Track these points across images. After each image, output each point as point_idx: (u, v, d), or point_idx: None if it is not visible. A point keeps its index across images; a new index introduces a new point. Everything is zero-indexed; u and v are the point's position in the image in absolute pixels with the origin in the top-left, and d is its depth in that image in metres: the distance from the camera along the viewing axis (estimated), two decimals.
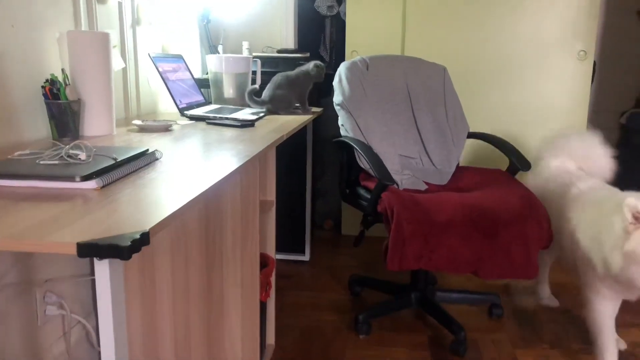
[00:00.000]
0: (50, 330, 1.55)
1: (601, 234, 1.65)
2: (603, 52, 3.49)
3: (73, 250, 0.68)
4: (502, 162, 2.18)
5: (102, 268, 0.73)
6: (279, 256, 2.73)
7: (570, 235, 1.83)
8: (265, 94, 2.18)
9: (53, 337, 1.56)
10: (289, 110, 2.16)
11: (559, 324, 2.13)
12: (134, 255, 1.63)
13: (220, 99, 2.33)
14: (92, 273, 1.72)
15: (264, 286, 1.70)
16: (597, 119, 3.56)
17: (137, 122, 1.69)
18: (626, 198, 1.52)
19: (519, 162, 2.05)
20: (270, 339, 1.90)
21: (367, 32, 2.91)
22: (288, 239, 2.70)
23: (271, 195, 1.83)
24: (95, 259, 0.72)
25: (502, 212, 1.79)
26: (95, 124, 1.51)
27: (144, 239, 0.70)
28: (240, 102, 2.33)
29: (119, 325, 0.77)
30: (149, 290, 1.66)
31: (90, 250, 0.67)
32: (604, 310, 1.73)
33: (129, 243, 0.67)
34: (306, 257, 2.73)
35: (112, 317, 0.75)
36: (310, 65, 2.20)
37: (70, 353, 1.61)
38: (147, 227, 0.73)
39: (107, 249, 0.67)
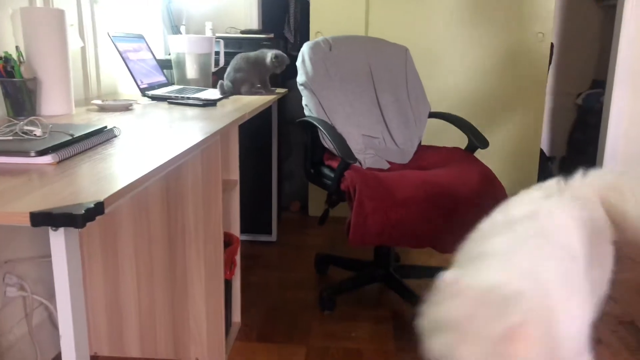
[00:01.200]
0: (10, 312, 1.54)
1: None
2: (560, 34, 3.59)
3: (26, 220, 0.68)
4: (462, 141, 2.23)
5: (58, 240, 0.74)
6: (246, 237, 2.75)
7: None
8: (226, 77, 2.17)
9: (14, 319, 1.55)
10: (251, 90, 2.16)
11: None
12: (96, 234, 1.63)
13: (183, 80, 2.32)
14: None
15: (229, 264, 1.72)
16: (556, 101, 3.67)
17: (97, 101, 1.68)
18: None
19: (477, 139, 2.11)
20: (236, 316, 1.93)
21: (331, 13, 2.91)
22: (255, 219, 2.72)
23: (235, 175, 1.84)
24: (50, 230, 0.73)
25: (461, 188, 1.84)
26: (52, 103, 1.49)
27: (98, 208, 0.71)
28: (203, 83, 2.32)
29: (76, 297, 0.78)
30: (112, 269, 1.66)
31: (44, 219, 0.68)
32: None
33: (83, 211, 0.68)
34: (273, 238, 2.75)
35: (69, 288, 0.76)
36: (268, 55, 2.16)
37: (32, 335, 1.60)
38: (102, 197, 0.74)
39: (61, 218, 0.68)
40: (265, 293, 2.20)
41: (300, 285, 2.27)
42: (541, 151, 3.15)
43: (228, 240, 1.78)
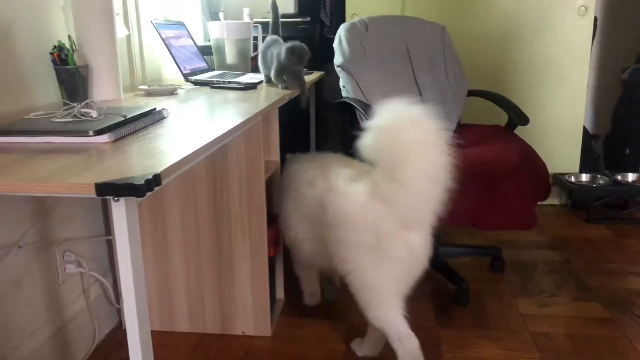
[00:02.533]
0: (70, 287, 1.63)
1: None
2: (604, 8, 3.47)
3: (92, 191, 0.74)
4: (501, 119, 2.21)
5: (119, 210, 0.79)
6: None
7: None
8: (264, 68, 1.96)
9: (73, 294, 1.65)
10: (283, 82, 1.91)
11: (560, 274, 2.19)
12: (146, 213, 1.70)
13: (223, 65, 2.37)
14: (108, 233, 1.79)
15: (272, 242, 1.77)
16: (599, 77, 3.56)
17: (143, 87, 1.74)
18: None
19: (517, 117, 2.09)
20: (280, 293, 1.98)
21: None
22: None
23: (275, 156, 1.89)
24: (112, 201, 0.78)
25: (501, 165, 1.83)
26: (103, 89, 1.56)
27: (157, 179, 0.76)
28: (242, 68, 2.37)
29: (137, 265, 0.83)
30: (161, 247, 1.74)
31: (108, 190, 0.73)
32: None
33: (143, 182, 0.73)
34: None
35: (131, 256, 0.82)
36: (282, 50, 1.83)
37: (90, 309, 1.70)
38: (159, 170, 0.79)
39: (123, 188, 0.73)
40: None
41: None
42: (584, 129, 3.07)
43: (271, 219, 1.83)
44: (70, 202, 1.61)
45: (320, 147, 3.21)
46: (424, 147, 1.31)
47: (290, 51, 1.81)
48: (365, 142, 1.36)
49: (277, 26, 2.11)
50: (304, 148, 2.69)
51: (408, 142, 1.31)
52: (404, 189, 1.32)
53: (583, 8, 2.78)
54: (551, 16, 2.81)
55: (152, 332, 1.80)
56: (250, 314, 1.74)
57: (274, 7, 2.08)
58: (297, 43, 1.83)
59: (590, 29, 2.80)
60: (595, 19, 2.87)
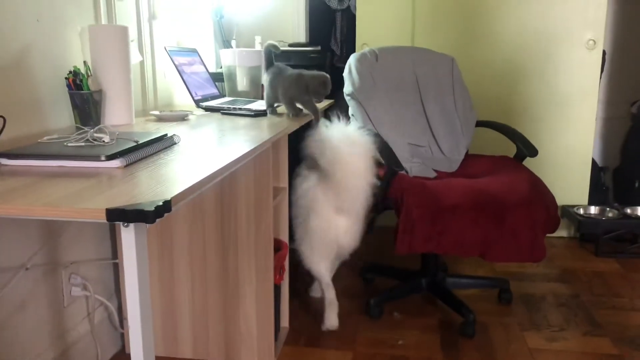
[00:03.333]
0: (75, 310, 1.63)
1: None
2: (613, 42, 3.50)
3: (102, 216, 0.74)
4: (510, 150, 2.21)
5: (128, 235, 0.80)
6: (293, 245, 2.79)
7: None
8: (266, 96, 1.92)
9: (78, 317, 1.64)
10: (293, 112, 1.88)
11: (569, 308, 2.16)
12: (154, 238, 1.71)
13: (234, 92, 2.40)
14: (115, 257, 1.80)
15: (278, 269, 1.76)
16: (608, 109, 3.57)
17: (155, 112, 1.77)
18: None
19: (526, 148, 2.09)
20: (285, 321, 1.97)
21: (377, 25, 2.96)
22: None
23: (284, 182, 1.90)
24: (122, 226, 0.79)
25: (509, 196, 1.83)
26: (115, 114, 1.58)
27: (167, 206, 0.77)
28: (253, 95, 2.40)
29: (144, 290, 0.83)
30: (168, 272, 1.74)
31: (118, 215, 0.74)
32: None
33: (154, 208, 0.73)
34: None
35: (138, 282, 0.82)
36: (315, 80, 1.80)
37: (94, 333, 1.69)
38: (169, 197, 0.80)
39: (133, 214, 0.73)
40: (312, 299, 2.23)
41: (346, 292, 2.30)
42: (593, 161, 3.07)
43: (277, 246, 1.83)
44: (79, 225, 1.61)
45: None
46: (352, 154, 1.83)
47: (323, 83, 1.79)
48: (314, 148, 1.88)
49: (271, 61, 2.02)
50: None
51: (341, 150, 1.82)
52: (337, 183, 1.83)
53: (592, 42, 2.80)
54: (560, 49, 2.84)
55: (156, 357, 1.79)
56: (255, 341, 1.73)
57: (267, 52, 1.98)
58: (322, 74, 1.83)
59: (598, 62, 2.82)
60: (604, 53, 2.89)
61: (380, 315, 2.08)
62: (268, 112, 1.94)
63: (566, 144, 2.94)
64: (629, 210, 2.83)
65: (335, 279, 2.42)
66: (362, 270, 2.42)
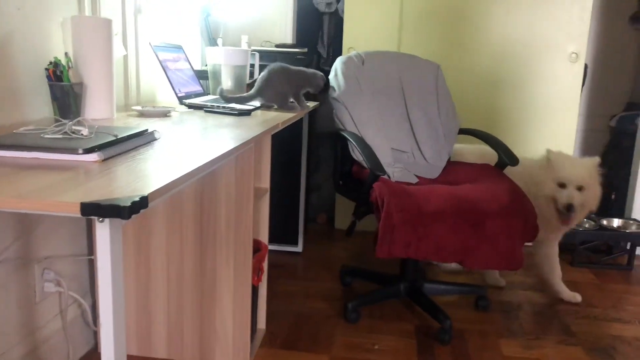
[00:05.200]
0: (47, 307, 1.59)
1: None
2: (595, 56, 3.56)
3: (77, 210, 0.73)
4: (492, 158, 2.23)
5: (103, 230, 0.78)
6: (273, 247, 2.78)
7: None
8: (258, 84, 2.05)
9: (50, 314, 1.61)
10: (285, 105, 2.08)
11: (544, 316, 2.18)
12: (130, 236, 1.68)
13: (219, 90, 2.38)
14: (90, 253, 1.76)
15: (256, 270, 1.75)
16: (588, 122, 3.63)
17: (137, 107, 1.74)
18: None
19: (507, 157, 2.11)
20: (261, 323, 1.95)
21: (364, 29, 2.96)
22: (282, 230, 2.75)
23: (265, 183, 1.88)
24: (96, 221, 0.77)
25: (489, 204, 1.84)
26: (96, 107, 1.56)
27: (143, 201, 0.75)
28: (238, 94, 2.38)
29: (117, 288, 0.82)
30: (144, 270, 1.71)
31: (93, 210, 0.72)
32: (553, 254, 2.31)
33: (129, 204, 0.72)
34: (299, 249, 2.77)
35: (112, 279, 0.80)
36: (318, 75, 2.14)
37: (66, 330, 1.66)
38: (146, 192, 0.78)
39: (108, 209, 0.72)
40: (290, 302, 2.22)
41: (325, 296, 2.29)
42: None
43: (256, 247, 1.81)
44: (54, 220, 1.58)
45: (310, 176, 3.21)
46: None
47: (324, 78, 2.15)
48: None
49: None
50: (294, 177, 2.70)
51: None
52: None
53: (574, 55, 2.84)
54: (543, 61, 2.88)
55: (129, 356, 1.76)
56: (230, 343, 1.71)
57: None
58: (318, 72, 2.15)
59: (580, 75, 2.87)
60: (586, 66, 2.93)
61: (357, 320, 2.07)
62: (261, 107, 2.07)
63: None
64: (605, 222, 2.88)
65: (313, 282, 2.42)
66: (341, 273, 2.42)
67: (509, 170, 2.20)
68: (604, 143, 3.61)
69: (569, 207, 2.08)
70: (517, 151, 2.96)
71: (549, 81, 2.89)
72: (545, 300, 2.33)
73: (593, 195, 2.14)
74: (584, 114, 3.61)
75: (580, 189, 2.10)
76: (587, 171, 2.12)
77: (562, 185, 2.10)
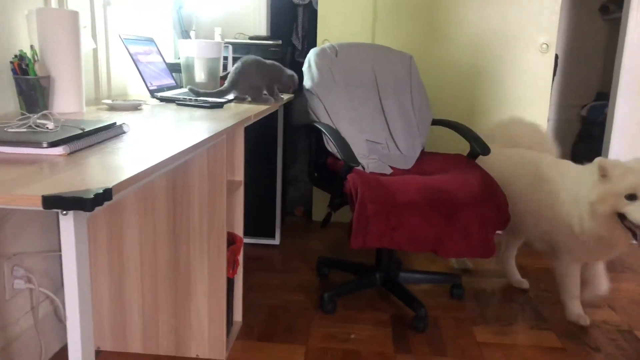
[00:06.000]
0: (18, 304, 1.57)
1: (579, 195, 1.91)
2: (565, 47, 3.62)
3: (38, 203, 0.72)
4: (464, 148, 2.26)
5: (67, 224, 0.77)
6: (250, 240, 2.78)
7: (541, 210, 2.06)
8: (232, 77, 2.06)
9: (21, 311, 1.59)
10: (259, 98, 2.09)
11: (517, 303, 2.23)
12: (103, 230, 1.66)
13: (192, 83, 2.36)
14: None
15: (231, 263, 1.75)
16: (559, 112, 3.69)
17: (107, 101, 1.72)
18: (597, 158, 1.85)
19: (479, 146, 2.14)
20: (238, 316, 1.95)
21: (338, 21, 2.96)
22: (259, 223, 2.75)
23: (239, 176, 1.88)
24: (60, 214, 0.76)
25: (462, 194, 1.87)
26: (64, 101, 1.53)
27: (107, 194, 0.75)
28: (211, 87, 2.36)
29: (83, 282, 0.81)
30: (117, 265, 1.70)
31: (55, 203, 0.71)
32: (573, 267, 2.05)
33: (92, 196, 0.71)
34: (276, 241, 2.78)
35: (77, 273, 0.80)
36: (287, 72, 2.13)
37: (38, 327, 1.64)
38: (110, 185, 0.78)
39: (71, 201, 0.71)
40: (267, 294, 2.22)
41: (301, 288, 2.30)
42: None
43: (231, 239, 1.81)
44: (23, 215, 1.56)
45: (287, 169, 3.21)
46: None
47: (293, 76, 2.13)
48: None
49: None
50: (270, 170, 2.69)
51: None
52: None
53: (545, 46, 2.89)
54: (515, 52, 2.92)
55: (104, 352, 1.75)
56: (206, 336, 1.71)
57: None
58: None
59: (551, 66, 2.91)
60: (557, 57, 2.98)
61: (333, 310, 2.09)
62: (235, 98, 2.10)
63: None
64: None
65: (290, 274, 2.43)
66: (317, 265, 2.43)
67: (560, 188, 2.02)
68: (575, 132, 3.68)
69: None
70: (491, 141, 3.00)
71: (520, 72, 2.94)
72: (518, 287, 2.38)
73: None
74: (556, 103, 3.67)
75: None
76: None
77: (631, 197, 1.76)
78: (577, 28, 3.59)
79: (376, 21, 2.95)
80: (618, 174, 1.78)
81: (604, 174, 1.81)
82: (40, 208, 0.72)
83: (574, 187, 1.95)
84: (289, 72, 2.15)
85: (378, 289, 2.29)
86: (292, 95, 2.49)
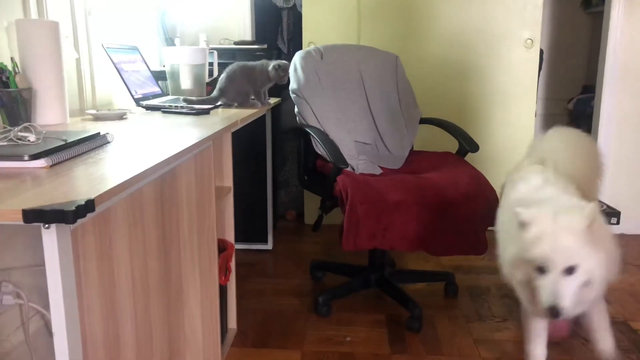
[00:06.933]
0: (7, 320, 1.55)
1: (506, 238, 1.49)
2: (550, 41, 3.64)
3: (19, 217, 0.70)
4: (453, 146, 2.26)
5: (50, 237, 0.76)
6: (243, 246, 2.76)
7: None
8: (220, 85, 2.08)
9: (10, 327, 1.56)
10: (246, 103, 2.08)
11: (511, 299, 2.23)
12: (91, 241, 1.64)
13: (178, 91, 2.35)
14: None
15: (223, 270, 1.73)
16: (546, 106, 3.71)
17: (91, 111, 1.70)
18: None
19: (467, 144, 2.14)
20: (232, 323, 1.94)
21: (323, 24, 2.96)
22: (251, 228, 2.73)
23: (228, 182, 1.87)
24: (42, 228, 0.75)
25: (452, 191, 1.86)
26: (47, 113, 1.51)
27: (89, 205, 0.73)
28: (197, 94, 2.35)
29: (69, 296, 0.80)
30: (108, 276, 1.68)
31: (36, 216, 0.70)
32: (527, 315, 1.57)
33: (74, 208, 0.70)
34: (269, 246, 2.76)
35: (62, 287, 0.78)
36: (270, 65, 2.07)
37: (29, 343, 1.61)
38: (92, 196, 0.76)
39: (52, 214, 0.70)
40: (261, 300, 2.21)
41: (295, 292, 2.29)
42: None
43: (222, 246, 1.80)
44: (10, 229, 1.53)
45: (277, 173, 3.20)
46: None
47: (278, 65, 2.04)
48: None
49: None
50: (260, 174, 2.68)
51: None
52: None
53: (529, 41, 2.90)
54: (500, 48, 2.93)
55: None
56: (200, 344, 1.69)
57: None
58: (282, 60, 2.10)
59: (536, 61, 2.92)
60: (542, 52, 2.99)
61: (328, 313, 2.07)
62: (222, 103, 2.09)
63: (507, 140, 3.03)
64: None
65: (284, 278, 2.42)
66: (311, 268, 2.42)
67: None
68: (562, 126, 3.70)
69: (554, 312, 1.26)
70: (479, 138, 3.01)
71: (506, 68, 2.95)
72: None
73: (600, 271, 1.31)
74: (542, 98, 3.69)
75: (571, 270, 1.27)
76: (580, 239, 1.28)
77: (541, 270, 1.29)
78: (561, 22, 3.61)
79: (361, 22, 2.95)
80: (531, 236, 1.31)
81: (521, 228, 1.34)
82: (21, 222, 0.70)
83: (508, 223, 1.48)
84: (274, 63, 2.06)
85: (372, 290, 2.29)
86: (279, 99, 2.48)
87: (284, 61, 2.08)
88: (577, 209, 1.32)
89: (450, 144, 2.32)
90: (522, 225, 1.33)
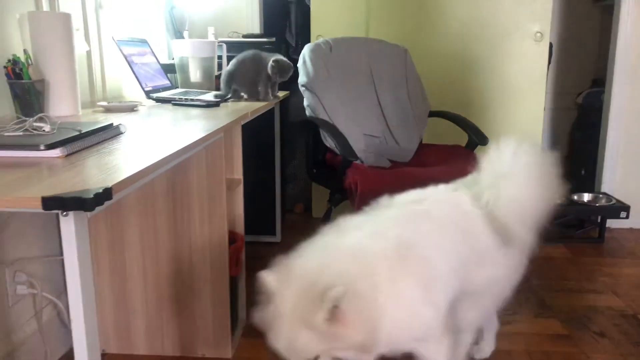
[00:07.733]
0: (21, 309, 1.57)
1: None
2: (559, 35, 3.62)
3: (38, 205, 0.71)
4: (462, 139, 2.26)
5: (68, 225, 0.77)
6: (251, 238, 2.77)
7: None
8: (230, 68, 2.07)
9: (24, 316, 1.58)
10: (254, 91, 2.08)
11: (521, 292, 2.22)
12: (104, 232, 1.66)
13: (187, 84, 2.36)
14: (62, 252, 1.74)
15: (234, 261, 1.74)
16: (555, 100, 3.69)
17: (103, 103, 1.71)
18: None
19: (477, 137, 2.14)
20: (242, 313, 1.95)
21: (331, 17, 2.95)
22: (259, 221, 2.74)
23: (238, 174, 1.87)
24: (60, 215, 0.76)
25: None
26: (60, 104, 1.53)
27: (107, 193, 0.74)
28: (206, 86, 2.36)
29: (86, 283, 0.81)
30: (120, 267, 1.69)
31: (55, 204, 0.71)
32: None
33: (92, 196, 0.71)
34: (277, 239, 2.77)
35: (79, 274, 0.79)
36: (270, 60, 2.05)
37: (42, 332, 1.63)
38: (110, 184, 0.77)
39: (71, 202, 0.71)
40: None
41: None
42: None
43: (232, 238, 1.80)
44: (23, 220, 1.55)
45: (286, 167, 3.21)
46: None
47: (274, 61, 2.01)
48: None
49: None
50: (269, 167, 2.69)
51: None
52: None
53: (539, 34, 2.88)
54: (509, 41, 2.91)
55: (109, 355, 1.74)
56: (211, 335, 1.71)
57: None
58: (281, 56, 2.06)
59: (546, 54, 2.91)
60: (551, 45, 2.98)
61: None
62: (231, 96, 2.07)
63: (516, 133, 3.01)
64: (575, 197, 2.94)
65: None
66: None
67: None
68: (572, 120, 3.68)
69: None
70: (489, 131, 3.00)
71: (515, 61, 2.93)
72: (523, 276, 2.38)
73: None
74: (552, 92, 3.67)
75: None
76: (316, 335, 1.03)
77: None
78: (571, 15, 3.59)
79: (370, 15, 2.94)
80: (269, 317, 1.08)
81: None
82: (40, 210, 0.71)
83: None
84: (272, 61, 2.03)
85: None
86: (287, 92, 2.48)
87: (283, 59, 2.03)
88: (318, 295, 0.99)
89: (460, 137, 2.32)
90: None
